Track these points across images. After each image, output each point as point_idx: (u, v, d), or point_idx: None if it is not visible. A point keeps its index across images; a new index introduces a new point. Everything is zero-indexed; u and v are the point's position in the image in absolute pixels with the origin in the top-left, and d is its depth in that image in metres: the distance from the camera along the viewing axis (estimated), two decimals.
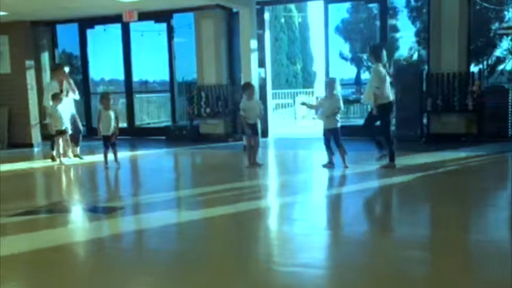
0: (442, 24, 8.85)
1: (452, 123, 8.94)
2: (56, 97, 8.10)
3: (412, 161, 7.37)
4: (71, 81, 8.66)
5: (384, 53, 6.75)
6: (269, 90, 10.92)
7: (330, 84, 6.99)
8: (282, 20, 21.96)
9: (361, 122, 12.39)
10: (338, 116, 6.90)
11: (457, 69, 8.80)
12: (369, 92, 6.69)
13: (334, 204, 5.40)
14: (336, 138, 6.88)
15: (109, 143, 7.46)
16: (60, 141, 8.07)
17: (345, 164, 6.82)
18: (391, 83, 6.85)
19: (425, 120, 9.39)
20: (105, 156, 7.48)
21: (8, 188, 6.62)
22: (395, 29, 17.79)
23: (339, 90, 7.00)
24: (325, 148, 6.95)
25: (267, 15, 10.62)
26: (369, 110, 6.83)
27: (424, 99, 9.08)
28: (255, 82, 9.29)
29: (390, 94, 6.76)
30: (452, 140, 8.65)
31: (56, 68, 8.81)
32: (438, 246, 3.80)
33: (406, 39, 18.82)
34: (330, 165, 6.89)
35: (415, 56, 18.66)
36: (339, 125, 6.88)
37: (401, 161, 7.62)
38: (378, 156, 6.88)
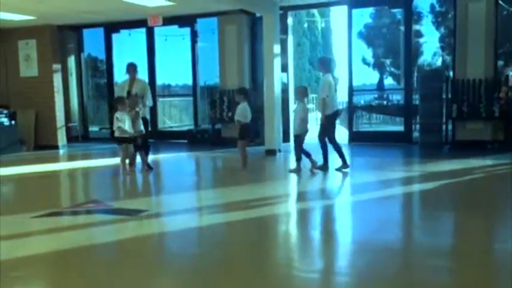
0: (469, 29, 8.72)
1: (478, 130, 8.78)
2: (119, 102, 7.26)
3: (437, 168, 7.27)
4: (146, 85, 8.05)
5: (333, 65, 7.33)
6: (291, 95, 10.91)
7: (299, 91, 7.28)
8: (305, 25, 21.95)
9: (382, 128, 12.44)
10: (301, 124, 7.02)
11: (484, 75, 8.65)
12: (319, 101, 7.09)
13: (357, 211, 5.35)
14: (297, 144, 7.10)
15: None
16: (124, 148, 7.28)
17: (296, 169, 7.05)
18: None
19: (450, 127, 9.25)
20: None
21: (33, 189, 6.76)
22: (419, 34, 17.59)
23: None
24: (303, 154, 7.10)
25: (290, 20, 10.63)
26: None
27: (449, 106, 8.95)
28: (278, 87, 9.30)
29: (336, 104, 7.20)
30: (478, 147, 8.50)
31: (129, 66, 7.94)
32: (464, 255, 3.73)
33: (430, 45, 18.60)
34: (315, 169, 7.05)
35: (439, 62, 18.42)
36: (300, 132, 7.04)
37: (426, 167, 7.55)
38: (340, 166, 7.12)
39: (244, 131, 7.33)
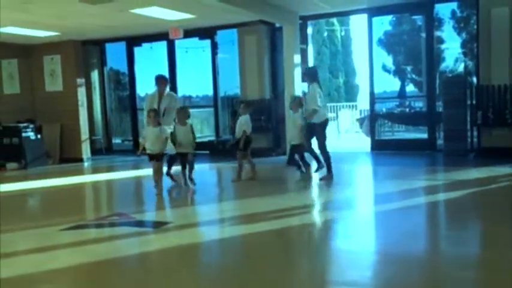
0: (492, 34, 8.59)
1: (504, 136, 8.60)
2: (150, 114, 6.62)
3: (462, 176, 7.15)
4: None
5: (318, 74, 7.39)
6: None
7: (296, 102, 7.36)
8: (325, 34, 21.93)
9: (405, 136, 12.32)
10: (300, 133, 7.18)
11: (509, 80, 8.50)
12: (309, 111, 7.07)
13: (382, 221, 5.28)
14: (298, 153, 7.32)
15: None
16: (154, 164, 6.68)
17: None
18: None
19: (475, 134, 9.09)
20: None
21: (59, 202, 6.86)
22: (440, 40, 17.42)
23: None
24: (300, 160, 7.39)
25: (309, 30, 10.64)
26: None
27: (474, 112, 8.81)
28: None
29: (326, 112, 7.50)
30: (505, 155, 8.32)
31: (157, 79, 7.39)
32: (492, 266, 3.64)
33: (452, 51, 18.40)
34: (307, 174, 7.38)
35: (461, 68, 18.19)
36: (300, 141, 7.22)
37: (451, 176, 7.43)
38: (316, 168, 7.38)
39: (249, 141, 7.46)
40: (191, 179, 7.02)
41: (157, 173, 6.69)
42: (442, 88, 9.57)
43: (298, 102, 7.40)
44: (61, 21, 9.05)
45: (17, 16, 8.36)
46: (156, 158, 6.62)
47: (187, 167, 6.94)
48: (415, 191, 6.41)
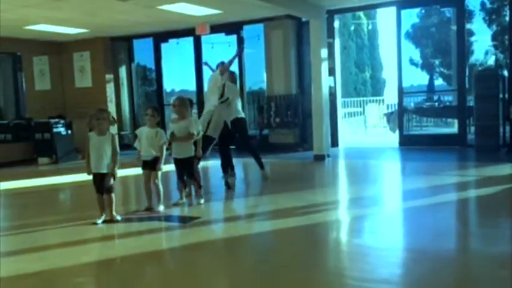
0: None
1: None
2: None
3: (494, 172, 6.99)
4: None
5: None
6: (339, 99, 10.81)
7: (181, 103, 5.82)
8: (352, 27, 21.66)
9: (435, 131, 12.10)
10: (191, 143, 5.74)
11: None
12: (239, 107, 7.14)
13: (412, 218, 5.21)
14: (189, 169, 5.82)
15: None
16: None
17: (198, 200, 5.83)
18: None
19: (508, 129, 8.86)
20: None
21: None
22: (470, 32, 17.04)
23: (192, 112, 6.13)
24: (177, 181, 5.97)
25: (336, 24, 10.53)
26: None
27: (506, 107, 8.59)
28: (326, 91, 9.22)
29: None
30: None
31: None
32: None
33: (482, 43, 18.00)
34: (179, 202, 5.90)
35: (492, 61, 17.77)
36: (192, 154, 5.78)
37: (483, 172, 7.27)
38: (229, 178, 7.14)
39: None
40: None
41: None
42: (473, 82, 9.36)
43: (187, 105, 5.87)
44: (91, 19, 9.19)
45: (49, 14, 8.53)
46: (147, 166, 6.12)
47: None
48: (445, 187, 6.29)
